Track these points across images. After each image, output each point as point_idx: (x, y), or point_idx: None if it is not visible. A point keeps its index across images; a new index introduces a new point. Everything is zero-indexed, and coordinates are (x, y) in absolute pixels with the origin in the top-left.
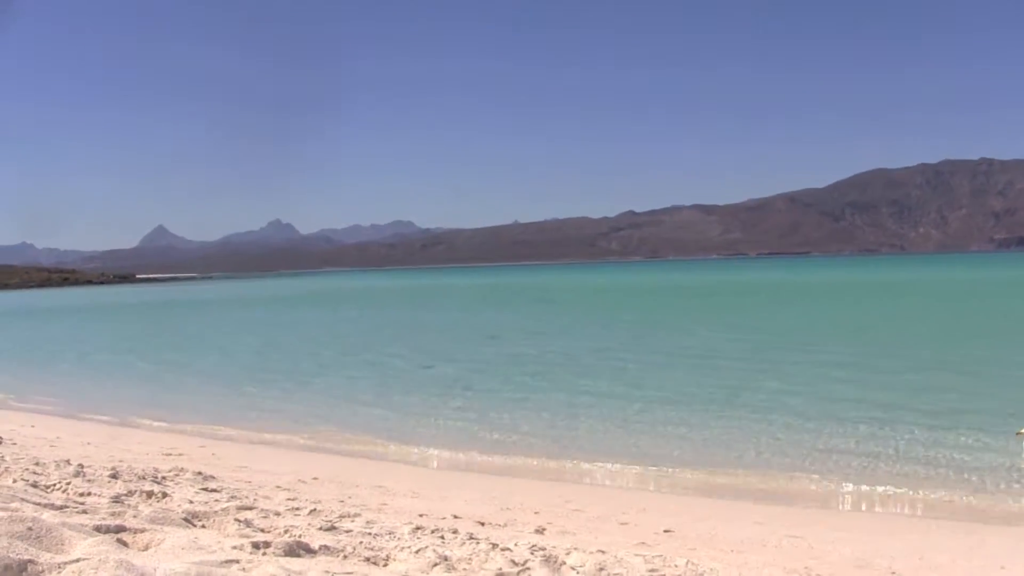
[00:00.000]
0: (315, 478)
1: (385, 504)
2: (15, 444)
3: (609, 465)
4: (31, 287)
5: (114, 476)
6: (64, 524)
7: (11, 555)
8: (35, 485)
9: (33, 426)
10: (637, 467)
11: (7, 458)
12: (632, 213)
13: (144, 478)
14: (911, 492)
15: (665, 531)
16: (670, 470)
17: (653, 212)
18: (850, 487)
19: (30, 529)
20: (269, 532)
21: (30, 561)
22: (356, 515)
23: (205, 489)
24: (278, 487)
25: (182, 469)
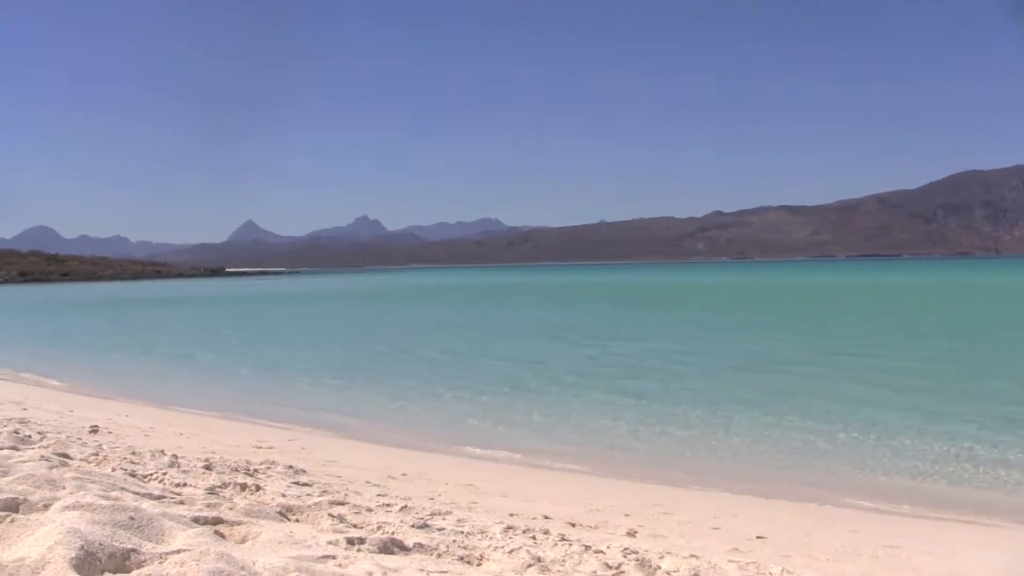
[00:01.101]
0: (404, 474)
1: (475, 503)
2: (111, 433)
3: (696, 468)
4: (124, 279)
5: (208, 467)
6: (164, 514)
7: (115, 543)
8: (133, 474)
9: (127, 416)
10: (725, 471)
11: (104, 447)
12: (719, 213)
13: (237, 470)
14: (1009, 501)
15: (758, 537)
16: (759, 474)
17: (741, 212)
18: (946, 496)
19: (132, 518)
20: (362, 528)
21: (133, 550)
22: (447, 513)
23: (296, 483)
24: (368, 482)
25: (273, 462)
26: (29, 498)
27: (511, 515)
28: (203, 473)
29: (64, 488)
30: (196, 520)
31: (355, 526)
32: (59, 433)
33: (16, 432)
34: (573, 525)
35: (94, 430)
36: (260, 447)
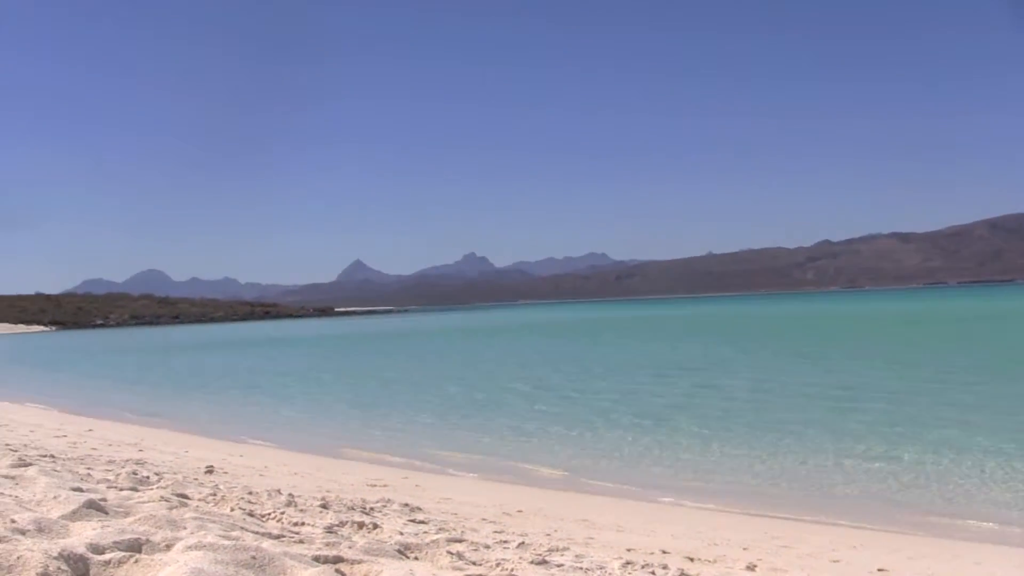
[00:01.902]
0: (519, 511)
1: (591, 538)
2: (226, 473)
3: (811, 501)
4: (234, 320)
5: (324, 506)
6: (285, 554)
7: None
8: (251, 514)
9: (242, 455)
10: (840, 502)
11: (221, 487)
12: (828, 243)
13: (353, 508)
14: None
15: (879, 570)
16: (874, 506)
17: (850, 241)
18: None
19: (254, 558)
20: (481, 565)
21: None
22: (564, 549)
23: (413, 520)
24: (484, 519)
25: (389, 500)
26: (151, 538)
27: (628, 550)
28: (320, 512)
29: (185, 528)
30: (317, 559)
31: (474, 563)
32: (175, 474)
33: (135, 473)
34: (692, 560)
35: (209, 470)
36: (375, 485)
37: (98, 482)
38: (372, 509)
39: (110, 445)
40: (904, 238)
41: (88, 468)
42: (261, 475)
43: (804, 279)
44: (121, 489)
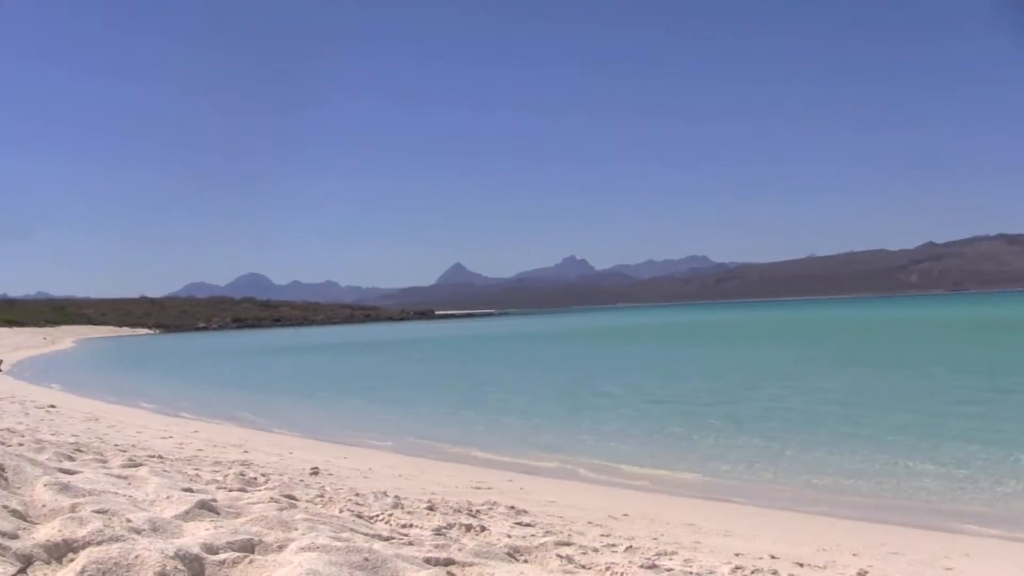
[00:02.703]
0: (625, 514)
1: (699, 543)
2: (331, 475)
3: (922, 506)
4: (335, 323)
5: (431, 508)
6: (397, 556)
7: None
8: (359, 516)
9: (346, 457)
10: (952, 508)
11: (328, 488)
12: (932, 244)
13: (460, 511)
14: None
15: None
16: (989, 513)
17: (954, 243)
18: None
19: (366, 560)
20: (590, 569)
21: None
22: (673, 553)
23: (519, 523)
24: (589, 523)
25: (495, 503)
26: (264, 539)
27: (736, 555)
28: (427, 514)
29: (296, 529)
30: (428, 561)
31: (583, 567)
32: (281, 475)
33: (242, 474)
34: (801, 565)
35: (315, 472)
36: (479, 487)
37: (207, 483)
38: (478, 512)
39: (215, 446)
40: (1012, 240)
41: (196, 469)
42: (366, 477)
43: (907, 282)
44: (230, 490)
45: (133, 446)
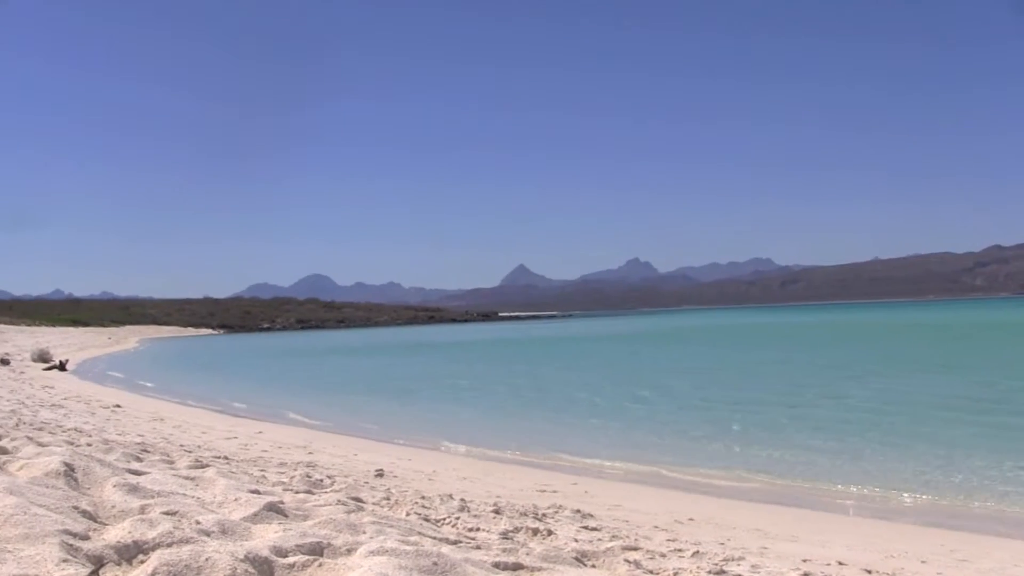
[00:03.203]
0: (691, 519)
1: (765, 548)
2: (396, 477)
3: (993, 512)
4: (398, 324)
5: (497, 512)
6: (467, 560)
7: None
8: (426, 519)
9: (410, 459)
10: (1020, 516)
11: (393, 491)
12: (998, 247)
13: (526, 515)
14: None
15: None
16: None
17: (1022, 245)
18: None
19: (435, 564)
20: (658, 574)
21: None
22: (740, 559)
23: (585, 527)
24: (655, 527)
25: (560, 506)
26: (332, 542)
27: (804, 561)
28: (493, 517)
29: (364, 532)
30: (496, 566)
31: (651, 572)
32: (346, 477)
33: (308, 476)
34: (869, 572)
35: (379, 474)
36: (544, 491)
37: (273, 484)
38: (544, 515)
39: (280, 447)
40: None
41: (262, 470)
42: (430, 479)
43: (973, 285)
44: (297, 492)
45: (199, 447)
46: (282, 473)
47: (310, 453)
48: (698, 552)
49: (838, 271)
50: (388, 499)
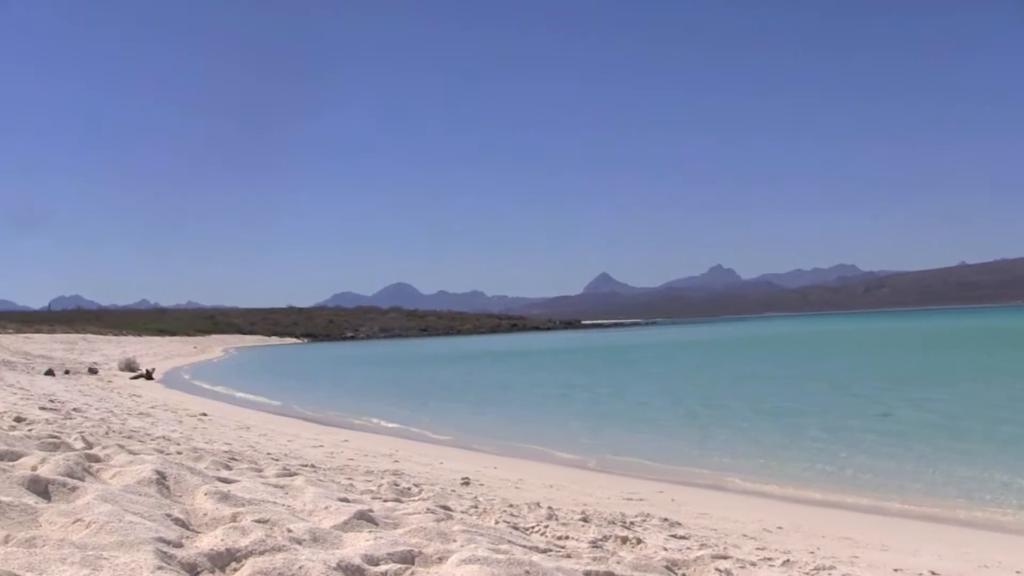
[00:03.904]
0: (779, 527)
1: (856, 556)
2: (482, 485)
3: None
4: (482, 332)
5: (585, 520)
6: (558, 568)
7: None
8: (515, 527)
9: (495, 467)
10: None
11: (480, 499)
12: None
13: (614, 523)
14: None
15: None
16: None
17: None
18: None
19: (527, 572)
20: None
21: None
22: (831, 568)
23: (674, 536)
24: (744, 535)
25: (648, 515)
26: (423, 550)
27: (896, 570)
28: (582, 525)
29: (455, 541)
30: (588, 574)
31: None
32: (433, 485)
33: (395, 484)
34: None
35: (466, 482)
36: (630, 499)
37: (362, 493)
38: (632, 523)
39: (366, 456)
40: None
41: (349, 478)
42: (517, 487)
43: None
44: (385, 500)
45: (285, 455)
46: (369, 481)
47: (396, 461)
48: (788, 561)
49: (923, 276)
50: (476, 507)
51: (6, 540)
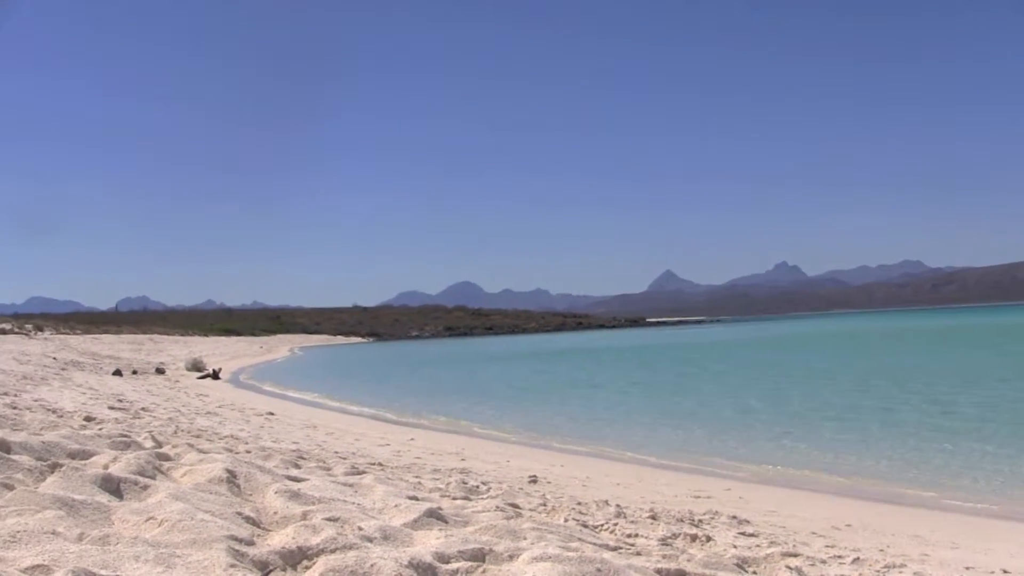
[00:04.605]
0: (848, 525)
1: (926, 555)
2: (549, 483)
3: None
4: (547, 331)
5: (653, 518)
6: (629, 566)
7: None
8: (584, 525)
9: (562, 465)
10: None
11: (548, 497)
12: None
13: (682, 520)
14: None
15: None
16: None
17: None
18: None
19: (599, 570)
20: None
21: None
22: (901, 566)
23: (743, 533)
24: (813, 533)
25: (716, 512)
26: (494, 548)
27: (967, 568)
28: (650, 523)
29: (525, 539)
30: (659, 572)
31: None
32: (501, 483)
33: (464, 482)
34: None
35: (533, 480)
36: (698, 496)
37: (430, 491)
38: (700, 521)
39: (433, 454)
40: None
41: (416, 476)
42: (584, 486)
43: None
44: (454, 498)
45: (352, 453)
46: (437, 479)
47: (463, 460)
48: (858, 559)
49: (992, 272)
50: (544, 505)
51: (80, 538)
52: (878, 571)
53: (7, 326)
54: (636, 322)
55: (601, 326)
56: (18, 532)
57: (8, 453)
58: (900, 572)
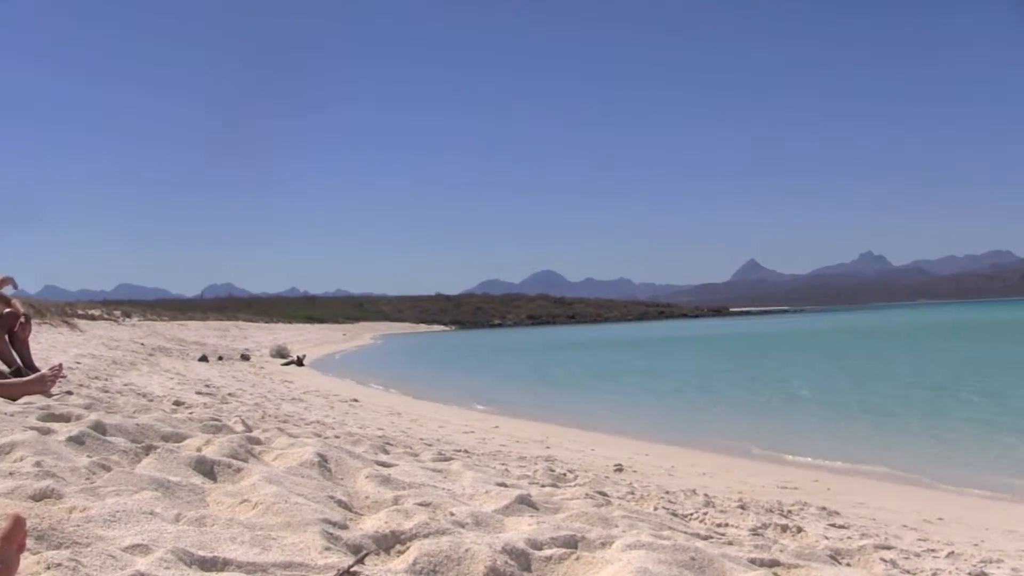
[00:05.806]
0: (939, 518)
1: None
2: (635, 471)
3: None
4: (629, 320)
5: (742, 508)
6: (723, 555)
7: None
8: (674, 514)
9: (647, 454)
10: None
11: (635, 486)
12: None
13: (771, 511)
14: None
15: None
16: None
17: None
18: None
19: (693, 559)
20: (915, 574)
21: None
22: (999, 561)
23: (833, 525)
24: (904, 526)
25: (805, 503)
26: (586, 535)
27: None
28: (739, 513)
29: (617, 527)
30: (753, 562)
31: (908, 572)
32: (587, 471)
33: (551, 470)
34: None
35: (618, 468)
36: (785, 487)
37: (518, 478)
38: (789, 512)
39: (517, 442)
40: None
41: (503, 463)
42: (670, 475)
43: None
44: (543, 486)
45: (438, 440)
46: (523, 467)
47: (547, 447)
48: (952, 553)
49: None
50: (632, 493)
51: (177, 519)
52: (974, 565)
53: (96, 312)
54: (719, 312)
55: (684, 316)
56: (117, 512)
57: (104, 435)
58: (998, 567)
